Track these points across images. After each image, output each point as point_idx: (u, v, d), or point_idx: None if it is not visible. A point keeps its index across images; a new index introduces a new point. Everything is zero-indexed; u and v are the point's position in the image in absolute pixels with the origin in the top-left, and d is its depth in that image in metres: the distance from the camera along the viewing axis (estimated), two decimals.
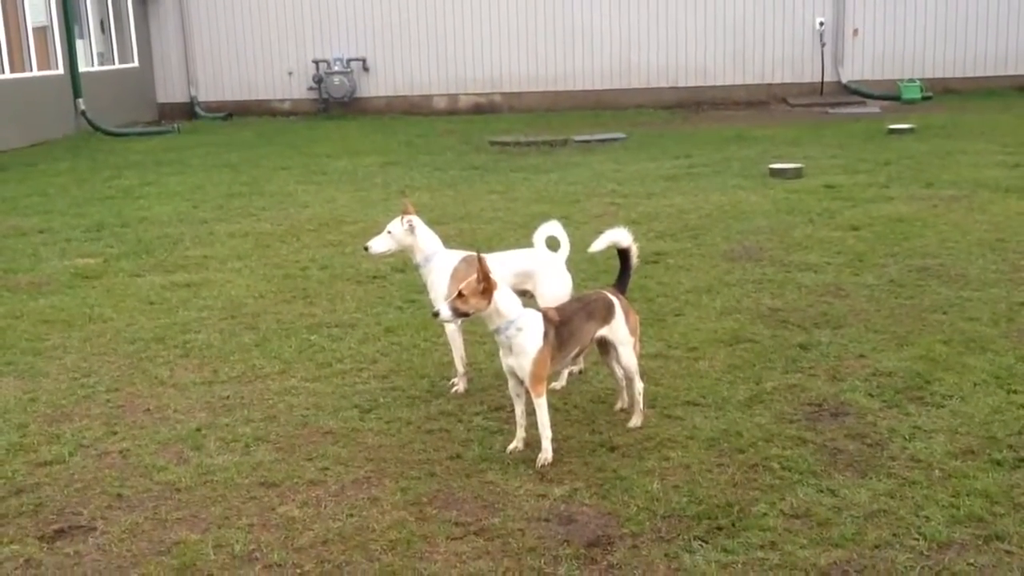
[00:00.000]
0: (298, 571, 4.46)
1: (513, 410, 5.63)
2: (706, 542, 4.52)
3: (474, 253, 6.51)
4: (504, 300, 5.29)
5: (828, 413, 5.80)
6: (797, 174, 13.31)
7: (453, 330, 6.38)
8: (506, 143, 18.49)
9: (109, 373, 7.03)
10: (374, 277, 9.29)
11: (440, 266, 6.41)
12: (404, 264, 9.52)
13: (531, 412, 5.46)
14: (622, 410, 5.99)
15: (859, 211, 11.05)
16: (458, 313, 5.29)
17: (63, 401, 6.52)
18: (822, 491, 4.91)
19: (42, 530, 4.90)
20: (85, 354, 7.42)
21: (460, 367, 6.47)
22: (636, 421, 5.76)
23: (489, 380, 6.61)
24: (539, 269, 6.37)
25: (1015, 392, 5.94)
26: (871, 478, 5.01)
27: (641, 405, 5.78)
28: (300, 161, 17.09)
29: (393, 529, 4.75)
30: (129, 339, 7.74)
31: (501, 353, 5.44)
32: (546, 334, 5.33)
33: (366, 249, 6.52)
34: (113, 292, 9.07)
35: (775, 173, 13.45)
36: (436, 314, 5.36)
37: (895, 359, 6.54)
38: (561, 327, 5.40)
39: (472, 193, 13.38)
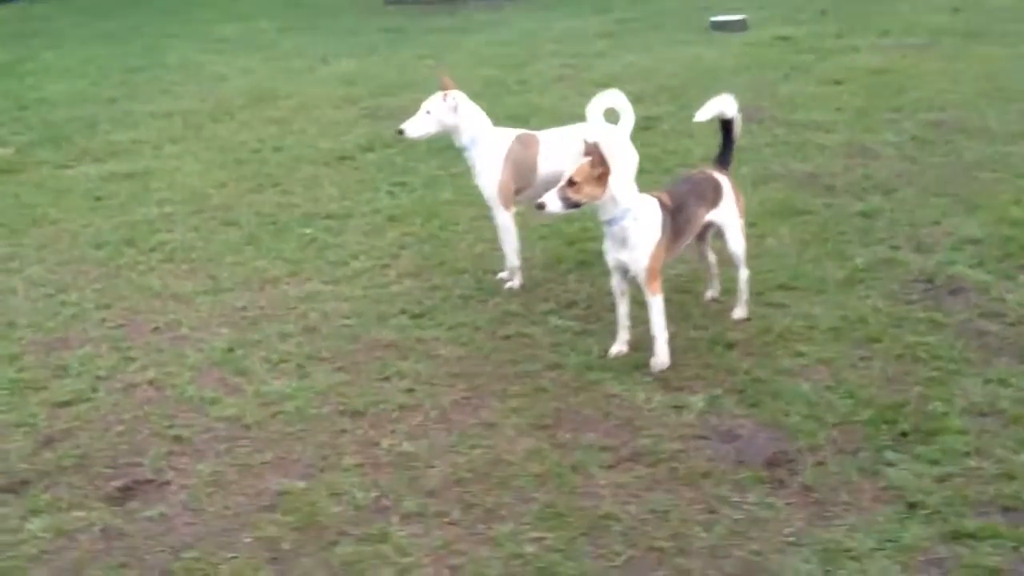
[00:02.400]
0: (444, 521, 3.71)
1: (589, 307, 4.96)
2: (898, 451, 3.96)
3: (527, 131, 5.69)
4: (621, 186, 4.51)
5: (944, 290, 5.28)
6: (742, 27, 12.68)
7: (507, 219, 5.57)
8: (403, 1, 17.24)
9: (89, 286, 5.97)
10: (342, 158, 8.30)
11: (491, 147, 5.55)
12: (372, 142, 8.58)
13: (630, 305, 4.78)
14: (713, 300, 5.35)
15: (831, 64, 10.52)
16: (569, 204, 4.48)
17: (49, 324, 5.48)
18: (991, 381, 4.39)
19: (102, 488, 4.00)
20: (49, 265, 6.31)
21: (515, 260, 5.69)
22: (742, 312, 5.13)
23: (539, 272, 5.86)
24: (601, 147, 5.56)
25: None
26: None
27: (746, 295, 5.14)
28: (185, 28, 15.55)
29: (532, 460, 4.03)
30: (92, 243, 6.63)
31: (608, 246, 4.68)
32: (663, 223, 4.59)
33: (400, 133, 5.57)
34: (45, 188, 7.83)
35: (718, 26, 12.78)
36: (541, 206, 4.52)
37: (974, 224, 6.06)
38: (676, 214, 4.67)
39: (402, 59, 12.28)
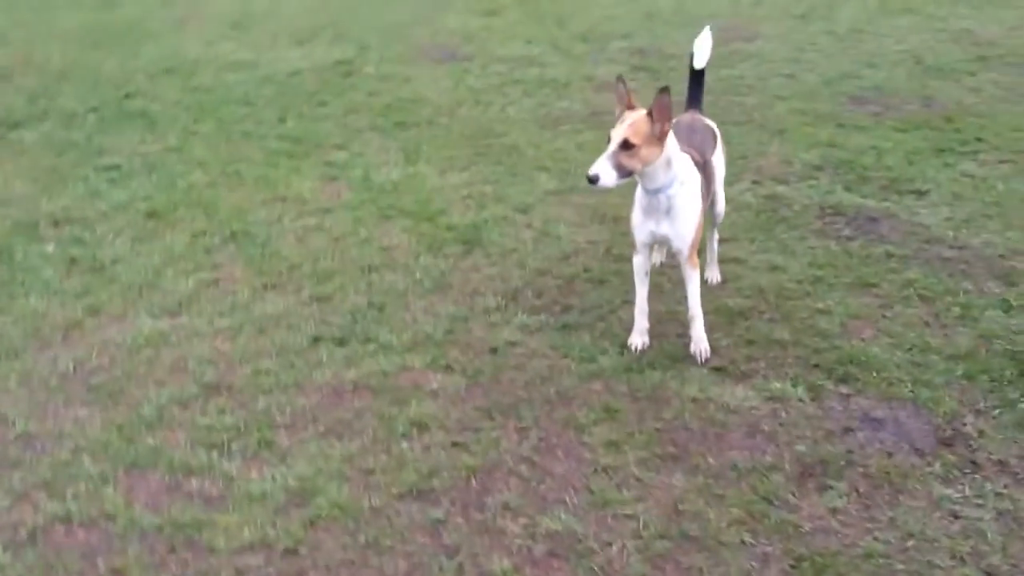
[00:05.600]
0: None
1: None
2: None
3: None
4: (676, 146, 3.65)
5: None
6: None
7: None
8: None
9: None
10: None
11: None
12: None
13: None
14: (662, 264, 4.65)
15: None
16: (623, 172, 3.51)
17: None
18: None
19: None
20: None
21: None
22: (715, 274, 4.52)
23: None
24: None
25: None
26: None
27: (716, 254, 4.54)
28: None
29: (715, 507, 3.18)
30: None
31: (640, 218, 3.78)
32: (702, 186, 3.82)
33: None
34: None
35: None
36: (594, 179, 3.46)
37: None
38: (703, 171, 3.87)
39: None
